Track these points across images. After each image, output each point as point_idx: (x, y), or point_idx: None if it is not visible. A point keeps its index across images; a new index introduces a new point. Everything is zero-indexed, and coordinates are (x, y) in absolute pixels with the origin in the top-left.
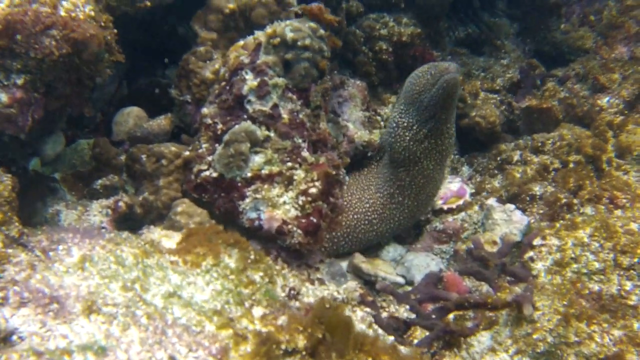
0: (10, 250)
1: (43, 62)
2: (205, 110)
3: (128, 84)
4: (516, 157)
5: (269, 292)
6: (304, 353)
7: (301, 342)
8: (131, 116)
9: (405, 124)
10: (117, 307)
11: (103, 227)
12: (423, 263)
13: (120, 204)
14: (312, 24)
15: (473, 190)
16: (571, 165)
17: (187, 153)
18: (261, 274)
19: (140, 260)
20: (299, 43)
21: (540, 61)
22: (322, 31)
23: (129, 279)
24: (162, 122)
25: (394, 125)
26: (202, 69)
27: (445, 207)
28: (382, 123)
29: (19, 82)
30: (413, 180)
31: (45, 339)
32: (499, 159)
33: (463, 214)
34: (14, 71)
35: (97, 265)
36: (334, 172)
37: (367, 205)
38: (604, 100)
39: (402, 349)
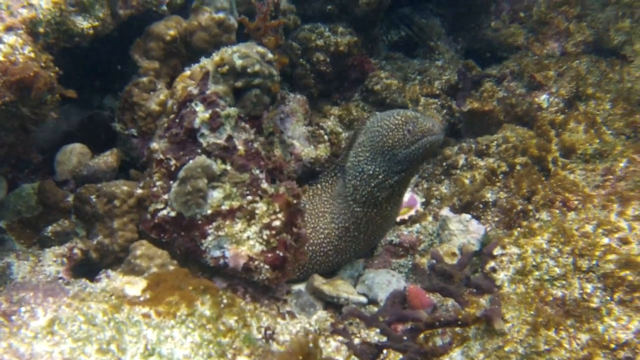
0: None
1: None
2: (154, 145)
3: (66, 118)
4: (462, 162)
5: (248, 338)
6: None
7: None
8: (74, 154)
9: (371, 172)
10: None
11: (60, 278)
12: (384, 280)
13: (76, 251)
14: (260, 49)
15: (423, 199)
16: (518, 167)
17: (140, 191)
18: (235, 318)
19: (111, 317)
20: (248, 70)
21: (473, 60)
22: (270, 55)
23: (104, 339)
24: (109, 158)
25: (359, 170)
26: (147, 101)
27: (398, 219)
28: (326, 137)
29: None
30: (370, 221)
31: None
32: (444, 164)
33: (417, 225)
34: None
35: (67, 327)
36: (295, 202)
37: (322, 237)
38: (541, 98)
39: None
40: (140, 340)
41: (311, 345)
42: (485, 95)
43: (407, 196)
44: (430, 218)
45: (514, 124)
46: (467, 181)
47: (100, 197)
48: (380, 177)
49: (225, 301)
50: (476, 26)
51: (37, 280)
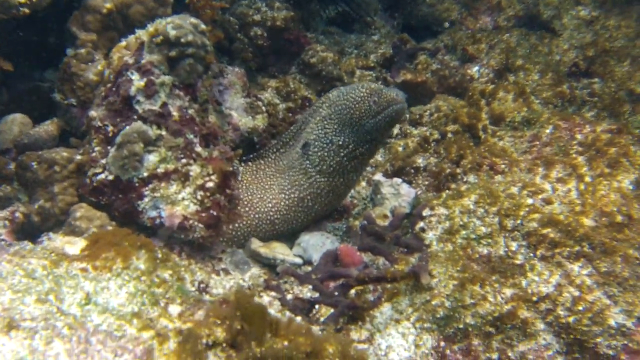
0: None
1: None
2: (93, 113)
3: (8, 90)
4: (396, 131)
5: (181, 289)
6: (224, 345)
7: (221, 334)
8: (15, 123)
9: (340, 143)
10: (36, 321)
11: (2, 240)
12: (319, 242)
13: (17, 214)
14: (193, 20)
15: None
16: (449, 135)
17: (79, 157)
18: (170, 272)
19: (50, 271)
20: (182, 40)
21: (409, 35)
22: (203, 26)
23: (42, 291)
24: (49, 127)
25: (327, 141)
26: (85, 71)
27: None
28: (263, 108)
29: None
30: (333, 190)
31: None
32: None
33: (352, 191)
34: None
35: (7, 280)
36: (228, 165)
37: (270, 206)
38: (473, 70)
39: (313, 328)
40: (77, 292)
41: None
42: (420, 68)
43: None
44: (363, 183)
45: (447, 95)
46: (400, 149)
47: (40, 164)
48: (350, 146)
49: (159, 256)
50: (412, 2)
51: None
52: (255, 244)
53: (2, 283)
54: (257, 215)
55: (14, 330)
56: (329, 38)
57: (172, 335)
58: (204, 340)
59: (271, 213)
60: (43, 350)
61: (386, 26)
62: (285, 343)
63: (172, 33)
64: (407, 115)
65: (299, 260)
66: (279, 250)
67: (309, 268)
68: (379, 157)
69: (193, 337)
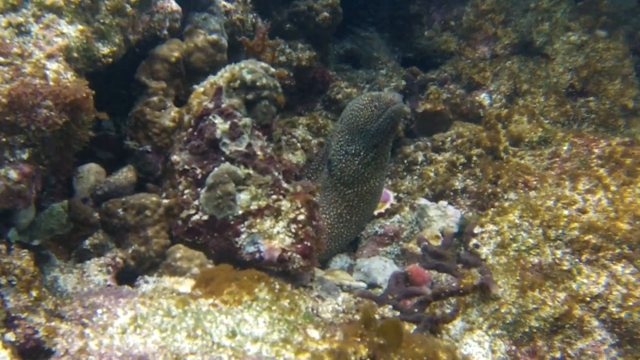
0: (53, 324)
1: (44, 133)
2: (175, 157)
3: None
4: (420, 158)
5: (308, 315)
6: (368, 359)
7: (363, 350)
8: (91, 173)
9: (353, 151)
10: (199, 355)
11: (109, 285)
12: (380, 266)
13: (118, 259)
14: (264, 64)
15: (395, 194)
16: (474, 158)
17: (166, 201)
18: (288, 300)
19: (183, 309)
20: (257, 83)
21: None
22: (272, 69)
23: (188, 327)
24: (128, 174)
25: (343, 153)
26: (160, 118)
27: (375, 212)
28: (299, 144)
29: (24, 156)
30: (362, 199)
31: None
32: (405, 161)
33: (397, 216)
34: (18, 146)
35: (150, 320)
36: (313, 198)
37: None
38: (481, 96)
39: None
40: (219, 325)
41: (369, 312)
42: (432, 97)
43: None
44: (407, 209)
45: (462, 121)
46: (432, 174)
47: (128, 210)
48: (362, 153)
49: (277, 287)
50: (411, 36)
51: (90, 289)
52: (320, 273)
53: (146, 323)
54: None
55: None
56: (341, 75)
57: (326, 355)
58: (352, 358)
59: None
60: None
61: (391, 60)
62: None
63: (248, 77)
64: (429, 143)
65: (363, 285)
66: (342, 277)
67: (379, 290)
68: (407, 183)
69: (344, 355)
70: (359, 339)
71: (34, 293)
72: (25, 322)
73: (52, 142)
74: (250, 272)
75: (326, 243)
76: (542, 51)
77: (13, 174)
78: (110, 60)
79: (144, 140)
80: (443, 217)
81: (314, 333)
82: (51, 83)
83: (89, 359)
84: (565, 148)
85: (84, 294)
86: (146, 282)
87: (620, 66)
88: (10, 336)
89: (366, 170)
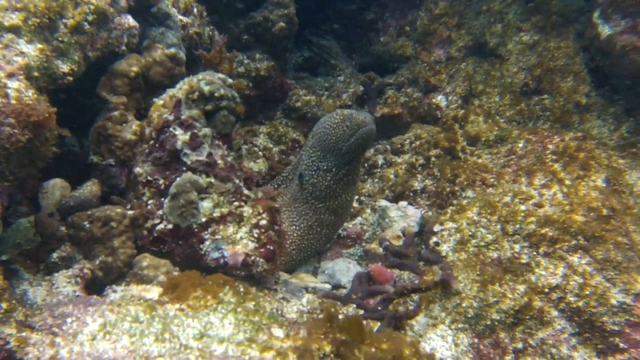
0: (24, 334)
1: (8, 151)
2: (138, 169)
3: None
4: (380, 161)
5: (272, 315)
6: (332, 356)
7: (327, 346)
8: (56, 188)
9: (325, 167)
10: (167, 357)
11: (77, 295)
12: (344, 267)
13: (86, 270)
14: (221, 75)
15: (355, 197)
16: (433, 159)
17: (131, 212)
18: (253, 303)
19: (151, 315)
20: (215, 94)
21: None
22: (230, 80)
23: (156, 331)
24: (93, 187)
25: (315, 168)
26: (122, 132)
27: None
28: (260, 153)
29: None
30: (333, 213)
31: None
32: (365, 165)
33: (359, 218)
34: None
35: (118, 326)
36: (274, 204)
37: (285, 238)
38: (438, 98)
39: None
40: (186, 328)
41: (332, 310)
42: (390, 102)
43: None
44: (368, 210)
45: (420, 123)
46: (392, 176)
47: (93, 222)
48: (334, 170)
49: (242, 290)
50: (368, 43)
51: (60, 300)
52: (284, 276)
53: (115, 330)
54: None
55: None
56: (300, 83)
57: (290, 352)
58: (316, 354)
59: (287, 245)
60: None
61: (349, 67)
62: (373, 349)
63: (207, 89)
64: (389, 146)
65: (328, 286)
66: (307, 279)
67: (343, 291)
68: (368, 186)
69: (308, 351)
70: (322, 336)
71: (4, 305)
72: None
73: (16, 158)
74: (215, 277)
75: (295, 254)
76: (496, 52)
77: None
78: (71, 78)
79: (107, 154)
80: (404, 217)
81: (279, 332)
82: (13, 102)
83: None
84: (520, 145)
85: (54, 304)
86: (114, 291)
87: (572, 64)
88: None
89: (338, 185)
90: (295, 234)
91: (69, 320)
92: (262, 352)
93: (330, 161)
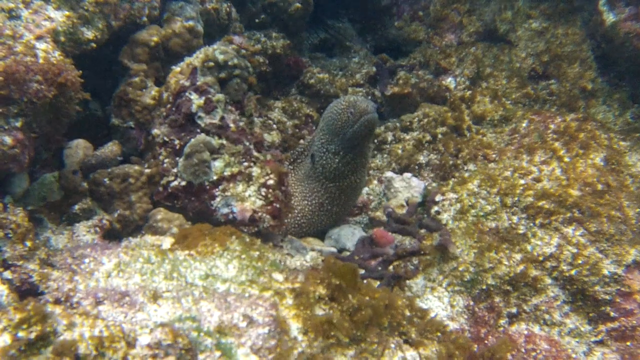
0: (45, 270)
1: (35, 105)
2: (156, 131)
3: None
4: (390, 138)
5: (274, 263)
6: (327, 299)
7: (322, 290)
8: (80, 147)
9: (333, 151)
10: (174, 292)
11: (96, 243)
12: (349, 232)
13: (104, 221)
14: (235, 46)
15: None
16: (439, 136)
17: (148, 170)
18: (258, 252)
19: (162, 258)
20: (229, 63)
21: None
22: (243, 51)
23: (165, 271)
24: (113, 147)
25: (324, 150)
26: (142, 97)
27: None
28: (274, 126)
29: (18, 124)
30: (343, 192)
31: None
32: (375, 141)
33: (366, 189)
34: (12, 115)
35: (131, 266)
36: (281, 166)
37: (296, 212)
38: (447, 80)
39: None
40: (193, 270)
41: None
42: (401, 82)
43: None
44: (375, 182)
45: (429, 103)
46: (399, 151)
47: (113, 179)
48: (341, 153)
49: (248, 240)
50: (382, 26)
51: (79, 245)
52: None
53: (128, 269)
54: (286, 220)
55: (160, 299)
56: (316, 63)
57: (287, 293)
58: (311, 296)
59: (298, 218)
60: (195, 308)
61: (363, 49)
62: (367, 298)
63: (221, 57)
64: (398, 124)
65: (334, 249)
66: (314, 243)
67: (347, 253)
68: (377, 161)
69: (304, 293)
70: (318, 281)
71: (29, 243)
72: (20, 269)
73: (43, 113)
74: (223, 228)
75: (305, 228)
76: (506, 38)
77: (7, 140)
78: (94, 45)
79: (127, 117)
80: (408, 188)
81: (279, 276)
82: (41, 61)
83: (77, 295)
84: (524, 125)
85: (74, 247)
86: (142, 239)
87: (579, 50)
88: (7, 274)
89: (346, 168)
90: (306, 209)
91: (86, 260)
92: (261, 291)
93: (337, 145)
